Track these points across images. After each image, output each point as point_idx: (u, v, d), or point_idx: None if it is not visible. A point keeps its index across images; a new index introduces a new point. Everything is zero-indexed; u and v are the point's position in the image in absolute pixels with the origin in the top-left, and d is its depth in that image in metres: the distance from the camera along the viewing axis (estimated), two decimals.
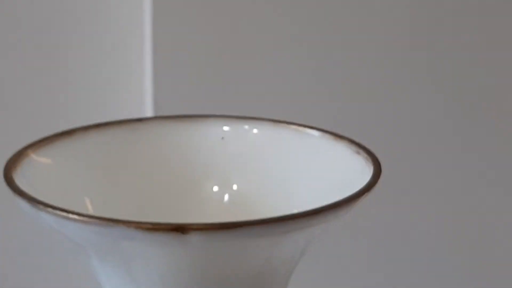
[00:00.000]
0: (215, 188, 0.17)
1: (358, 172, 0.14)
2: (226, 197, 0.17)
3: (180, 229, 0.11)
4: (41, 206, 0.12)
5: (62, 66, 0.49)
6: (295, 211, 0.13)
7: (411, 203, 0.48)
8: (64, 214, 0.12)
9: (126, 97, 0.49)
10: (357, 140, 0.17)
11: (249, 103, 0.49)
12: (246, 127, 0.17)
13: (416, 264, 0.50)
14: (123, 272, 0.13)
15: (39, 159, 0.14)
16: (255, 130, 0.17)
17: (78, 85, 0.48)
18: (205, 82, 0.49)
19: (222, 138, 0.18)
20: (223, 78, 0.49)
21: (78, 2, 0.49)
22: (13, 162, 0.14)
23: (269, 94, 0.48)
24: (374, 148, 0.16)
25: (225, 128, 0.17)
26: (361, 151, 0.16)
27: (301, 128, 0.17)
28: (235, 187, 0.17)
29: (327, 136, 0.16)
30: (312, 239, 0.14)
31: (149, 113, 0.42)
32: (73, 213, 0.12)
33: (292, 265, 0.14)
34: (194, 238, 0.11)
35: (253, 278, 0.14)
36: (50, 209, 0.12)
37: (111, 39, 0.49)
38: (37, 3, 0.47)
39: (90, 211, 0.15)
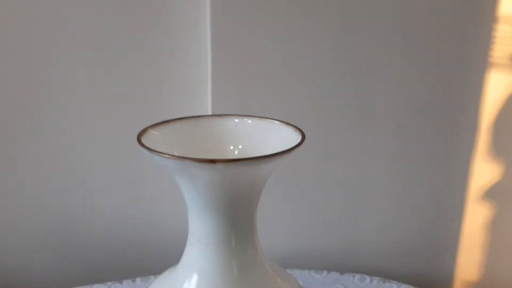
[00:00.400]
0: (231, 148, 0.33)
1: (294, 138, 0.30)
2: (236, 152, 0.33)
3: (212, 161, 0.26)
4: (154, 152, 0.28)
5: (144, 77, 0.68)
6: None
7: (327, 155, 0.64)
8: (164, 155, 0.28)
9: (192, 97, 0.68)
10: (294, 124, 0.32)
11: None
12: (245, 119, 0.33)
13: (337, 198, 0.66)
14: (189, 183, 0.28)
15: (153, 132, 0.30)
16: (249, 121, 0.33)
17: (159, 89, 0.67)
18: (252, 83, 0.67)
19: (236, 124, 0.34)
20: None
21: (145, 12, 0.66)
22: (141, 134, 0.30)
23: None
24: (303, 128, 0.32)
25: (236, 120, 0.33)
26: (296, 129, 0.31)
27: (270, 120, 0.32)
28: (240, 147, 0.33)
29: (280, 123, 0.32)
30: (273, 169, 0.29)
31: (209, 110, 0.60)
32: (168, 154, 0.28)
33: (264, 181, 0.30)
34: (219, 166, 0.27)
35: (247, 187, 0.29)
36: (157, 153, 0.28)
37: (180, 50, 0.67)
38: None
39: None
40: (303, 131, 0.30)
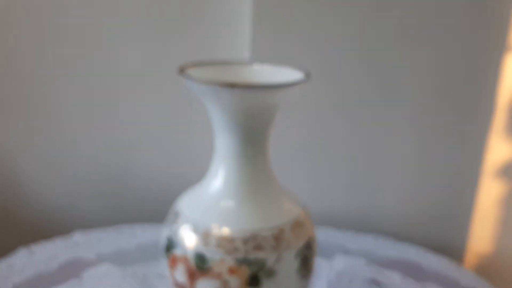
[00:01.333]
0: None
1: (300, 75, 0.38)
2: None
3: (232, 85, 0.34)
4: (191, 79, 0.37)
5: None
6: None
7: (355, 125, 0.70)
8: (196, 81, 0.36)
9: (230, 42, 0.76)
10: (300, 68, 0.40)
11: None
12: (264, 67, 0.40)
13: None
14: (215, 105, 0.36)
15: (192, 69, 0.38)
16: (266, 68, 0.40)
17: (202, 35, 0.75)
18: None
19: (256, 70, 0.42)
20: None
21: None
22: (182, 69, 0.38)
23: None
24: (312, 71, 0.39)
25: (255, 67, 0.41)
26: (304, 73, 0.39)
27: (284, 67, 0.40)
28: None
29: (292, 69, 0.40)
30: (281, 99, 0.37)
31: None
32: (200, 80, 0.36)
33: (274, 109, 0.38)
34: (237, 90, 0.35)
35: (261, 111, 0.37)
36: (192, 80, 0.36)
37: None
38: None
39: None
40: (309, 76, 0.38)
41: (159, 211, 0.87)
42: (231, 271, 0.36)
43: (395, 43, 0.77)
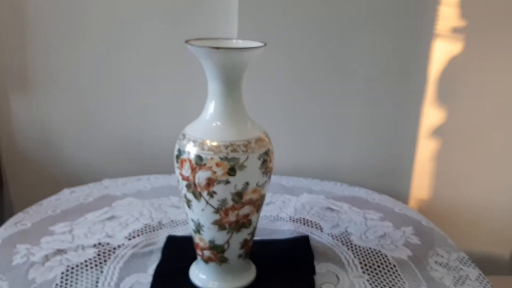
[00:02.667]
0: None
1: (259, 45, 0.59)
2: None
3: (217, 48, 0.56)
4: (192, 44, 0.58)
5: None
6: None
7: (316, 97, 0.93)
8: (196, 45, 0.58)
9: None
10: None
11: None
12: (240, 41, 0.62)
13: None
14: (208, 62, 0.58)
15: (193, 41, 0.60)
16: (240, 41, 0.62)
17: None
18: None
19: (235, 43, 0.63)
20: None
21: None
22: (187, 41, 0.60)
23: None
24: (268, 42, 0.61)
25: (234, 40, 0.63)
26: (264, 44, 0.60)
27: (253, 42, 0.62)
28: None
29: (258, 42, 0.61)
30: (249, 59, 0.58)
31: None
32: (198, 45, 0.58)
33: (245, 66, 0.59)
34: (221, 51, 0.56)
35: (236, 66, 0.58)
36: (192, 45, 0.58)
37: None
38: None
39: None
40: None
41: (168, 164, 1.10)
42: (217, 164, 0.58)
43: (349, 30, 0.99)
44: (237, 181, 0.59)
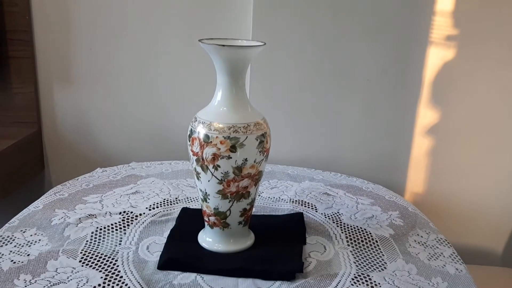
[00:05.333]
0: None
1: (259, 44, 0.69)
2: None
3: (223, 45, 0.66)
4: (204, 42, 0.69)
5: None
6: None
7: (320, 97, 1.02)
8: (206, 42, 0.68)
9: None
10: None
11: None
12: (248, 41, 0.72)
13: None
14: (217, 57, 0.68)
15: (206, 40, 0.70)
16: (244, 42, 0.72)
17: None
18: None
19: (243, 42, 0.74)
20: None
21: None
22: (200, 40, 0.70)
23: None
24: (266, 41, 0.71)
25: (241, 41, 0.73)
26: (264, 43, 0.70)
27: (256, 41, 0.72)
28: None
29: (258, 42, 0.71)
30: (251, 55, 0.68)
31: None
32: (208, 43, 0.68)
33: (248, 61, 0.69)
34: (226, 48, 0.66)
35: (240, 62, 0.68)
36: (204, 42, 0.69)
37: None
38: None
39: None
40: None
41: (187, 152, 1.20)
42: (221, 142, 0.68)
43: (351, 35, 1.08)
44: (238, 157, 0.69)
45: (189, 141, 0.72)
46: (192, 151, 0.71)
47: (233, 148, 0.68)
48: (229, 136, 0.68)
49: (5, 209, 1.23)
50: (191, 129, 0.71)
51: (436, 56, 1.07)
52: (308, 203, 0.94)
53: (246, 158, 0.69)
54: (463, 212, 1.17)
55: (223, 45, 0.66)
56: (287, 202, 0.94)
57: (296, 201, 0.94)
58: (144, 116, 1.22)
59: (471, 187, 1.14)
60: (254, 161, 0.71)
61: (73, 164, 1.26)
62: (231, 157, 0.69)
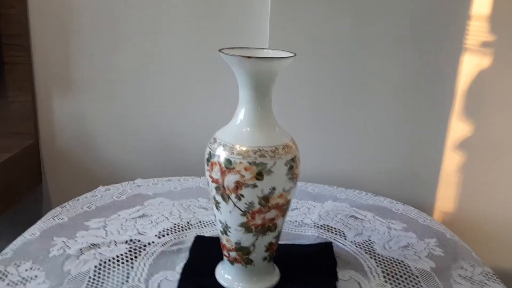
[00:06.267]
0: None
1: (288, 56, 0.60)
2: None
3: (249, 57, 0.56)
4: (225, 53, 0.59)
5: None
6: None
7: (342, 106, 0.92)
8: (229, 53, 0.59)
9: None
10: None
11: None
12: (270, 51, 0.63)
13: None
14: (240, 70, 0.58)
15: (227, 50, 0.61)
16: (270, 51, 0.63)
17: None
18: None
19: (267, 52, 0.64)
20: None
21: None
22: (222, 49, 0.61)
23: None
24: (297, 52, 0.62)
25: (265, 50, 0.63)
26: (293, 53, 0.61)
27: (283, 51, 0.62)
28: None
29: (287, 52, 0.62)
30: (279, 68, 0.59)
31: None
32: (231, 54, 0.58)
33: (275, 75, 0.59)
34: (253, 59, 0.57)
35: (266, 75, 0.59)
36: (226, 53, 0.59)
37: None
38: None
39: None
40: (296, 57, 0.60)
41: (197, 167, 1.11)
42: (246, 169, 0.58)
43: (378, 42, 0.99)
44: (264, 185, 0.59)
45: (207, 166, 0.62)
46: (211, 177, 0.61)
47: (259, 175, 0.59)
48: (255, 162, 0.58)
49: (0, 228, 1.13)
50: (210, 152, 0.62)
51: (470, 64, 0.97)
52: (335, 228, 0.84)
53: (274, 187, 0.60)
54: (496, 232, 1.07)
55: (249, 57, 0.56)
56: (311, 227, 0.84)
57: (321, 226, 0.84)
58: (150, 127, 1.12)
59: (506, 206, 1.05)
60: (283, 189, 0.61)
61: (73, 178, 1.17)
62: (256, 186, 0.59)
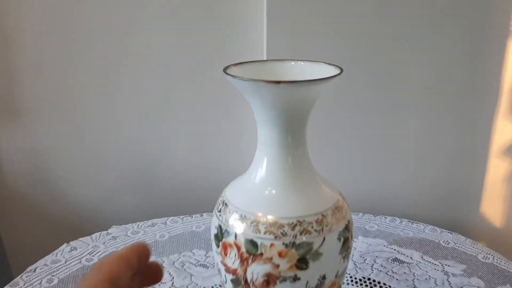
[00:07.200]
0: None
1: (335, 73, 0.38)
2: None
3: (278, 82, 0.35)
4: (237, 78, 0.37)
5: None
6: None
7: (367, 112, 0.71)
8: (244, 79, 0.37)
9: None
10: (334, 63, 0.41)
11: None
12: (299, 62, 0.41)
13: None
14: (259, 101, 0.37)
15: (233, 68, 0.39)
16: (302, 63, 0.41)
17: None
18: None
19: (292, 66, 0.42)
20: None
21: None
22: (226, 68, 0.39)
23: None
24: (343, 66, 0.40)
25: (292, 63, 0.42)
26: (337, 67, 0.39)
27: (317, 62, 0.41)
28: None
29: (325, 64, 0.40)
30: (320, 92, 0.38)
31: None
32: (247, 78, 0.37)
33: (313, 101, 0.38)
34: (282, 85, 0.36)
35: (301, 104, 0.38)
36: (239, 78, 0.37)
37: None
38: None
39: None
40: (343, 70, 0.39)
41: (186, 202, 0.89)
42: (281, 254, 0.37)
43: (403, 31, 0.78)
44: (310, 276, 0.38)
45: (218, 246, 0.41)
46: (225, 264, 0.40)
47: (302, 263, 0.38)
48: (294, 242, 0.37)
49: None
50: (220, 225, 0.40)
51: None
52: (379, 282, 0.64)
53: (324, 275, 0.39)
54: None
55: (277, 82, 0.35)
56: (348, 284, 0.64)
57: (360, 280, 0.64)
58: (124, 156, 0.89)
59: None
60: (336, 275, 0.40)
61: (28, 229, 0.93)
62: (299, 278, 0.38)
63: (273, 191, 0.39)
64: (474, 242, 0.75)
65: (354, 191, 0.86)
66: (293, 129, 0.39)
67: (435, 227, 0.79)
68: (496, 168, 0.86)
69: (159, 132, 0.86)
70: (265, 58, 0.76)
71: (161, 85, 0.84)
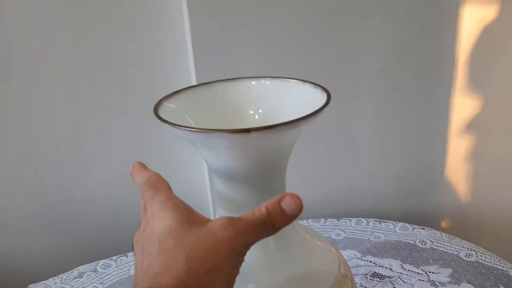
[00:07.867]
0: (251, 112, 0.29)
1: (316, 95, 0.26)
2: (257, 116, 0.29)
3: (247, 130, 0.23)
4: (180, 127, 0.24)
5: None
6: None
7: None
8: (193, 129, 0.24)
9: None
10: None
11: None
12: (262, 81, 0.29)
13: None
14: (220, 154, 0.25)
15: (167, 104, 0.26)
16: (266, 82, 0.29)
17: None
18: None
19: (252, 86, 0.30)
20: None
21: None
22: (156, 107, 0.25)
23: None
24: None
25: (252, 82, 0.29)
26: (317, 86, 0.27)
27: (287, 79, 0.29)
28: (261, 111, 0.29)
29: (299, 81, 0.28)
30: (303, 129, 0.26)
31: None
32: (196, 128, 0.24)
33: (293, 143, 0.26)
34: (253, 134, 0.23)
35: (278, 152, 0.26)
36: (177, 126, 0.24)
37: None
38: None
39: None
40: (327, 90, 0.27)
41: (118, 237, 0.74)
42: None
43: (349, 12, 0.67)
44: None
45: None
46: None
47: None
48: None
49: None
50: None
51: (473, 19, 0.71)
52: None
53: None
54: None
55: (248, 131, 0.22)
56: None
57: None
58: (34, 191, 0.71)
59: None
60: None
61: None
62: None
63: (260, 262, 0.27)
64: (450, 236, 0.68)
65: (311, 196, 0.77)
66: (267, 183, 0.26)
67: (405, 224, 0.72)
68: (456, 147, 0.80)
69: (70, 155, 0.70)
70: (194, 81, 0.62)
71: (74, 93, 0.67)
